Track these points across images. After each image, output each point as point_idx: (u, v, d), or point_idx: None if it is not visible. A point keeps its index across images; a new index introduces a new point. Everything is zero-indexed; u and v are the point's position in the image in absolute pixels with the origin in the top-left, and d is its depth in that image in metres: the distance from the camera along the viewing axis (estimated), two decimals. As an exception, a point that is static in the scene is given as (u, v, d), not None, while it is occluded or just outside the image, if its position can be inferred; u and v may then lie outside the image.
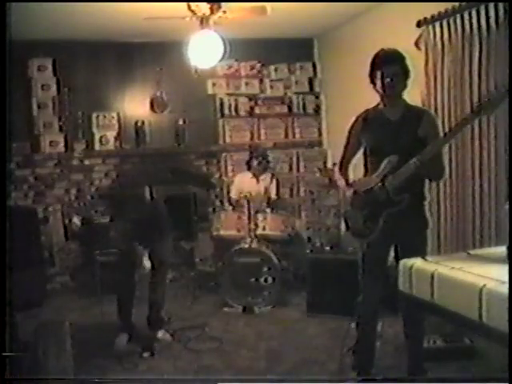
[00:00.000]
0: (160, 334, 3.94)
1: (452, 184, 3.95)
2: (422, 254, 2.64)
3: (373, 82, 2.89)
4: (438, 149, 2.73)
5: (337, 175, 3.15)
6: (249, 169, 5.35)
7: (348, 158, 3.09)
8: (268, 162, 5.41)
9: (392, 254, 3.05)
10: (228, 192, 5.83)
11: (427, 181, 3.03)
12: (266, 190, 5.27)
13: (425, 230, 3.02)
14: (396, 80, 2.82)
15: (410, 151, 2.73)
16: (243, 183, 5.31)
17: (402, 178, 2.75)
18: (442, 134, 2.88)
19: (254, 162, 5.27)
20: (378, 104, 2.96)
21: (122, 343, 3.90)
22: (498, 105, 2.48)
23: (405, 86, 2.88)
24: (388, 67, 2.80)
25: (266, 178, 5.32)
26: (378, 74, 2.82)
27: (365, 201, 2.88)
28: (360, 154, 3.05)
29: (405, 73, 2.85)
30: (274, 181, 5.35)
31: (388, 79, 2.80)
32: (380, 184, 2.81)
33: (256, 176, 5.30)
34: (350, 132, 3.08)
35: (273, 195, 5.27)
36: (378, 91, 2.89)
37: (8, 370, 2.37)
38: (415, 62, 3.59)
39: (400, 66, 2.83)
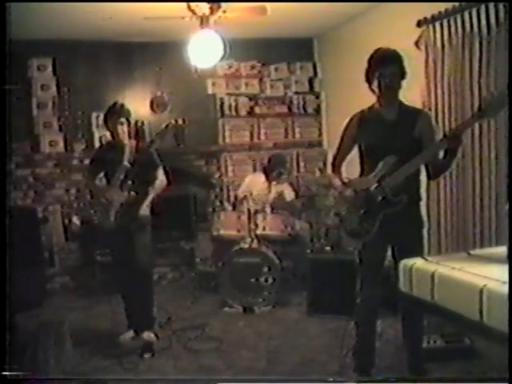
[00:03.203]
0: (145, 334, 3.86)
1: (452, 184, 3.95)
2: (419, 254, 2.64)
3: (368, 80, 2.89)
4: (437, 150, 2.73)
5: (331, 174, 3.15)
6: (264, 173, 5.30)
7: (341, 158, 3.10)
8: (286, 169, 5.35)
9: (389, 254, 3.06)
10: (228, 192, 5.83)
11: (423, 181, 3.03)
12: (280, 192, 5.22)
13: (420, 230, 3.02)
14: (394, 80, 2.82)
15: (406, 152, 2.74)
16: (254, 184, 5.26)
17: (400, 178, 2.74)
18: (438, 134, 2.88)
19: (273, 173, 5.17)
20: (374, 104, 2.96)
21: (126, 340, 3.90)
22: (502, 107, 2.47)
23: (400, 87, 2.88)
24: (387, 67, 2.79)
25: (278, 182, 5.26)
26: (376, 73, 2.81)
27: (361, 201, 2.87)
28: (353, 154, 3.06)
29: (402, 73, 2.85)
30: (288, 183, 5.33)
31: (386, 79, 2.79)
32: (377, 184, 2.81)
33: (269, 180, 5.24)
34: (344, 131, 3.07)
35: (289, 196, 5.24)
36: (373, 91, 2.88)
37: (8, 369, 2.37)
38: (415, 62, 3.61)
39: (398, 66, 2.82)
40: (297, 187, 5.93)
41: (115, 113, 3.84)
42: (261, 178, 5.33)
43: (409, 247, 2.83)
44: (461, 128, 2.74)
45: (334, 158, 3.12)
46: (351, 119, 3.04)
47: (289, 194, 5.29)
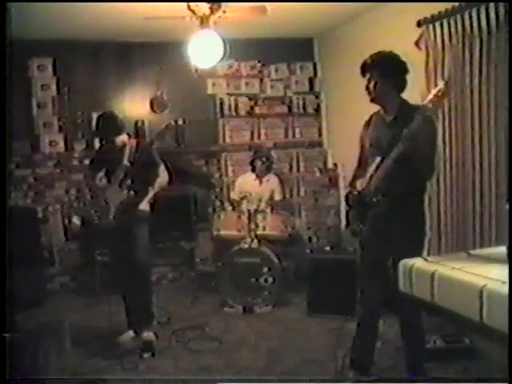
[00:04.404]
0: (145, 334, 3.88)
1: (452, 184, 3.95)
2: (418, 254, 2.64)
3: None
4: (398, 152, 2.72)
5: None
6: (253, 170, 5.34)
7: (361, 160, 3.15)
8: (272, 162, 5.40)
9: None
10: (228, 192, 5.82)
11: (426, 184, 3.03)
12: (271, 190, 5.25)
13: (420, 231, 2.99)
14: (374, 85, 2.86)
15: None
16: (246, 184, 5.30)
17: (378, 179, 2.81)
18: (435, 132, 2.87)
19: (258, 163, 5.27)
20: None
21: (125, 340, 3.90)
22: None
23: (393, 87, 2.87)
24: (366, 74, 2.88)
25: (269, 179, 5.31)
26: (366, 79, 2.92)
27: (357, 201, 2.96)
28: None
29: (387, 75, 2.84)
30: (279, 182, 5.35)
31: (368, 85, 2.88)
32: (367, 185, 2.89)
33: (259, 177, 5.29)
34: (360, 135, 3.16)
35: (277, 196, 5.27)
36: None
37: (8, 370, 2.37)
38: (415, 62, 3.60)
39: (378, 69, 2.85)
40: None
41: (101, 130, 3.85)
42: (251, 176, 5.36)
43: (408, 248, 2.82)
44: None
45: (358, 159, 3.18)
46: (365, 122, 3.11)
47: (277, 194, 5.30)
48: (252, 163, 5.35)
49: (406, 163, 2.74)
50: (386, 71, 2.85)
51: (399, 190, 2.84)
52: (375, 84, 2.86)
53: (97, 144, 5.50)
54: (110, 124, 3.82)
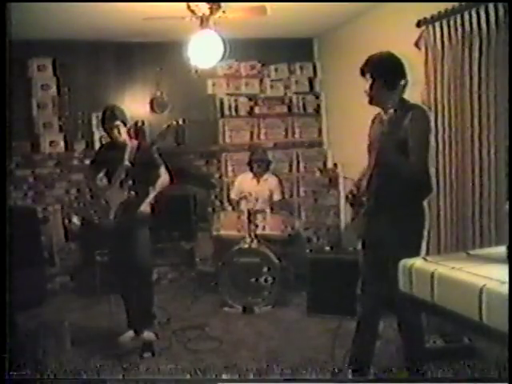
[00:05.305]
0: (145, 334, 3.89)
1: (452, 184, 3.95)
2: (415, 254, 2.63)
3: None
4: (391, 144, 2.77)
5: None
6: (251, 169, 5.36)
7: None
8: (268, 163, 5.41)
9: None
10: (228, 192, 5.83)
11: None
12: (270, 190, 5.27)
13: (414, 236, 2.93)
14: (370, 86, 2.87)
15: (384, 151, 2.82)
16: (244, 184, 5.32)
17: (365, 178, 2.87)
18: (428, 127, 2.86)
19: (254, 166, 5.28)
20: None
21: (125, 340, 3.90)
22: None
23: (387, 87, 2.86)
24: (364, 77, 2.89)
25: (267, 178, 5.33)
26: None
27: (352, 200, 3.01)
28: None
29: (379, 75, 2.85)
30: (278, 182, 5.36)
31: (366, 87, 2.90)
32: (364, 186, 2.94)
33: (257, 177, 5.30)
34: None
35: (276, 196, 5.27)
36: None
37: (8, 369, 2.37)
38: (415, 62, 3.60)
39: (371, 71, 2.86)
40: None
41: (108, 118, 3.87)
42: (249, 176, 5.37)
43: (405, 248, 2.80)
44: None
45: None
46: (370, 121, 3.13)
47: (276, 194, 5.31)
48: (250, 163, 5.37)
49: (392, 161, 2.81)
50: (378, 72, 2.85)
51: (387, 189, 2.83)
52: (371, 85, 2.86)
53: (97, 144, 5.51)
54: (114, 111, 3.86)
